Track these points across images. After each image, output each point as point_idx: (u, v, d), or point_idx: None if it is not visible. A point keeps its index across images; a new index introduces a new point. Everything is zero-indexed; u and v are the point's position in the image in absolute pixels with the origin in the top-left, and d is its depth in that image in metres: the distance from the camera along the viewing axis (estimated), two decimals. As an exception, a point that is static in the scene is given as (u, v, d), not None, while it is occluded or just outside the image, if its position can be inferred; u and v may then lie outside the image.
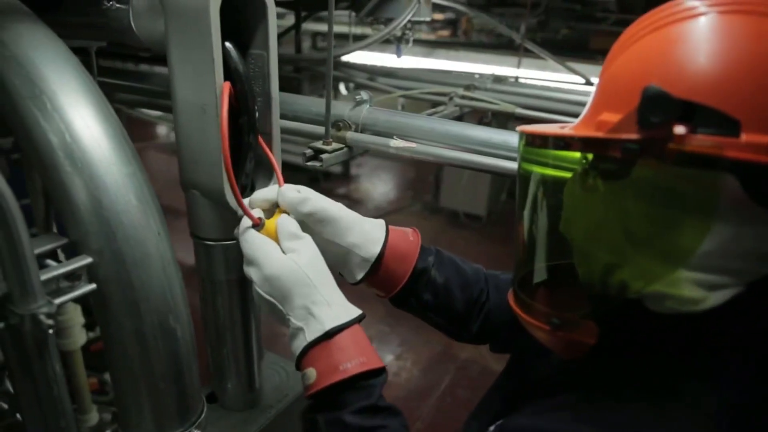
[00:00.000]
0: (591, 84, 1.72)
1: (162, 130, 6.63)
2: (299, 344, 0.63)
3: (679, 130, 0.42)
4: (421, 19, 1.40)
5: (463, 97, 1.28)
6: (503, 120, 1.56)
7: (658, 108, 0.42)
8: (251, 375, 0.87)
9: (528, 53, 1.80)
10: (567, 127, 0.57)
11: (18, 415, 0.65)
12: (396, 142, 0.80)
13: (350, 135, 0.84)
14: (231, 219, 0.74)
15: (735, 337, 0.51)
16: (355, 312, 0.66)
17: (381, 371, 0.63)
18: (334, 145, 0.82)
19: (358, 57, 1.52)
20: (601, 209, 0.54)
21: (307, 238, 0.67)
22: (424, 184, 5.43)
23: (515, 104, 1.29)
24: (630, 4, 4.02)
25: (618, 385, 0.55)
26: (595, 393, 0.56)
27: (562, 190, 0.59)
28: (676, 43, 0.47)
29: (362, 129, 0.87)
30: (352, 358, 0.62)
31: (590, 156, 0.55)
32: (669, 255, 0.49)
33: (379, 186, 5.81)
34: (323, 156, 0.80)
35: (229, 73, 0.67)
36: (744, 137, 0.41)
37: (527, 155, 0.60)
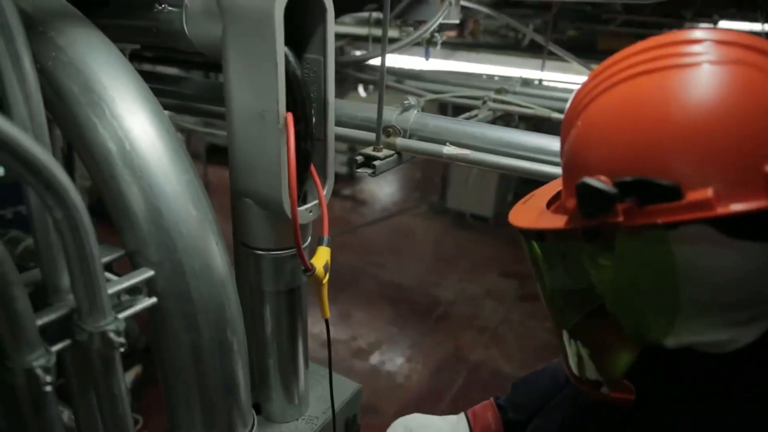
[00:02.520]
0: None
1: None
2: None
3: (624, 210, 0.42)
4: (450, 21, 1.38)
5: (495, 100, 1.27)
6: (530, 123, 1.54)
7: (594, 202, 0.43)
8: (296, 386, 0.86)
9: (551, 56, 1.79)
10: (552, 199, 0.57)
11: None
12: (449, 149, 0.78)
13: (400, 141, 0.82)
14: (284, 229, 0.73)
15: None
16: None
17: None
18: (385, 152, 0.80)
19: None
20: (606, 276, 0.53)
21: None
22: (430, 185, 5.42)
23: (544, 107, 1.28)
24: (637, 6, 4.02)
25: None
26: None
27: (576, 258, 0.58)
28: (605, 115, 0.47)
29: (410, 135, 0.85)
30: None
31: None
32: (676, 307, 0.48)
33: (385, 187, 5.79)
34: (376, 163, 0.79)
35: (287, 78, 0.65)
36: (688, 197, 0.40)
37: (524, 240, 0.59)
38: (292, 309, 0.80)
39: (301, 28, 0.69)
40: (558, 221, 0.49)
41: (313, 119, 0.69)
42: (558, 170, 0.76)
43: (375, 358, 3.26)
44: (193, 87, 1.10)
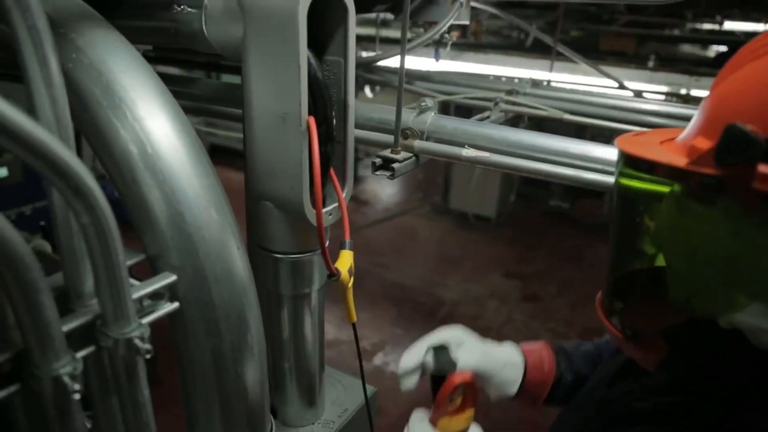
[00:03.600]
0: (625, 88, 1.70)
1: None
2: None
3: (763, 169, 0.40)
4: (461, 22, 1.37)
5: (506, 102, 1.26)
6: (536, 123, 1.53)
7: (737, 148, 0.41)
8: (312, 390, 0.85)
9: (559, 56, 1.78)
10: (668, 140, 0.55)
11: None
12: (468, 152, 0.77)
13: (418, 143, 0.82)
14: (303, 232, 0.72)
15: None
16: None
17: None
18: (403, 154, 0.80)
19: (391, 59, 1.49)
20: (691, 231, 0.53)
21: None
22: (433, 186, 5.42)
23: (555, 109, 1.27)
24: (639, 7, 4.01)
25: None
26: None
27: (659, 205, 0.57)
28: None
29: (427, 137, 0.85)
30: None
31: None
32: (755, 286, 0.48)
33: (387, 187, 5.78)
34: (395, 165, 0.78)
35: (309, 81, 0.65)
36: None
37: (623, 168, 0.58)
38: (310, 312, 0.79)
39: (321, 29, 0.68)
40: (677, 159, 0.48)
41: (334, 121, 0.69)
42: (584, 174, 0.75)
43: (379, 359, 3.25)
44: (203, 88, 1.09)
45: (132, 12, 0.75)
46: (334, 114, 0.69)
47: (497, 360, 0.84)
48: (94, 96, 0.59)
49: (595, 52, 4.41)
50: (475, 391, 0.79)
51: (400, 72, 0.77)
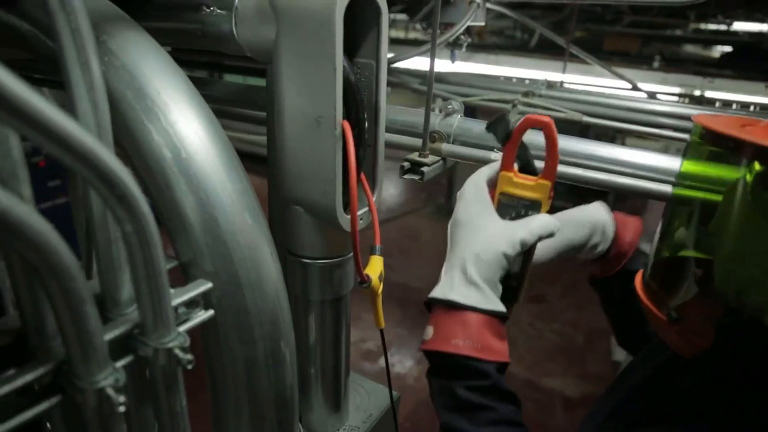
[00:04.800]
0: (638, 89, 1.69)
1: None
2: (431, 293, 0.68)
3: None
4: (477, 23, 1.36)
5: (524, 104, 1.25)
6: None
7: None
8: (338, 396, 0.84)
9: (572, 58, 1.77)
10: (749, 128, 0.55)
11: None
12: (497, 155, 0.77)
13: (446, 147, 0.81)
14: (333, 237, 0.71)
15: None
16: (494, 305, 0.64)
17: (498, 362, 0.63)
18: (431, 158, 0.79)
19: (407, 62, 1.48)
20: (756, 222, 0.52)
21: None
22: (436, 186, 5.41)
23: (571, 110, 1.26)
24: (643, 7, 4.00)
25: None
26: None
27: (730, 189, 0.56)
28: None
29: (453, 140, 0.84)
30: (468, 338, 0.62)
31: (757, 167, 0.52)
32: None
33: (391, 188, 5.77)
34: (424, 169, 0.77)
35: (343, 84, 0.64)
36: None
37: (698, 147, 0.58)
38: (337, 318, 0.78)
39: (352, 30, 0.67)
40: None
41: (366, 125, 0.68)
42: (615, 178, 0.75)
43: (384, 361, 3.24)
44: (220, 90, 1.08)
45: (157, 13, 0.74)
46: (365, 117, 0.68)
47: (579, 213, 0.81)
48: (126, 99, 0.58)
49: (599, 52, 4.41)
50: (554, 161, 0.66)
51: (430, 75, 0.76)
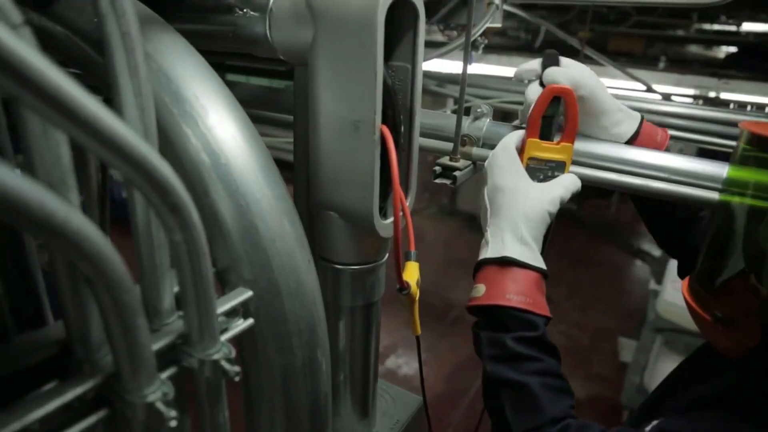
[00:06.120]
0: (653, 91, 1.69)
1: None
2: (481, 255, 0.72)
3: None
4: (494, 25, 1.35)
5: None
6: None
7: None
8: (366, 402, 0.83)
9: (588, 60, 1.76)
10: None
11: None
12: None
13: (476, 151, 0.80)
14: (366, 243, 0.70)
15: None
16: (541, 263, 0.71)
17: (544, 317, 0.69)
18: (463, 162, 0.78)
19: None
20: None
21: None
22: (440, 187, 5.39)
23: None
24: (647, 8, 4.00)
25: None
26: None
27: None
28: None
29: (482, 144, 0.83)
30: (520, 294, 0.67)
31: None
32: None
33: (392, 188, 5.76)
34: (456, 174, 0.76)
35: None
36: None
37: (748, 150, 0.57)
38: (368, 324, 0.77)
39: (388, 33, 0.66)
40: None
41: (402, 129, 0.67)
42: (652, 183, 0.73)
43: (391, 362, 3.23)
44: (242, 92, 1.07)
45: (187, 15, 0.73)
46: (401, 121, 0.67)
47: (611, 99, 0.79)
48: (163, 103, 0.56)
49: (604, 53, 4.40)
50: (574, 123, 0.73)
51: (462, 79, 0.75)
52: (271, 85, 1.21)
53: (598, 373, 3.25)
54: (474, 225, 4.92)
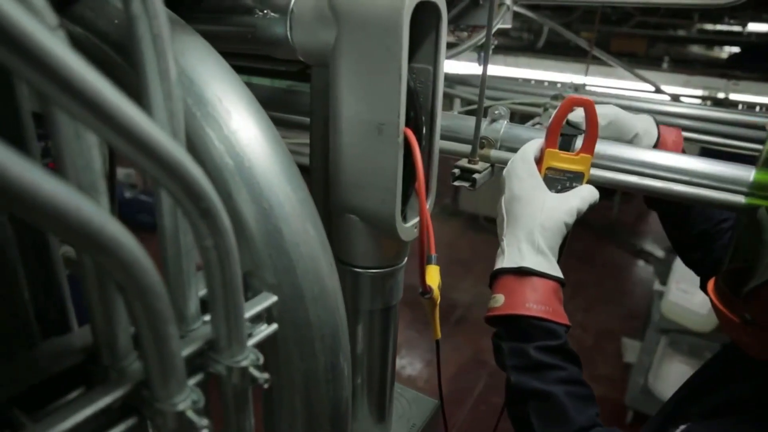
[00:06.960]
0: (662, 92, 1.68)
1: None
2: (497, 265, 0.73)
3: None
4: (505, 26, 1.35)
5: (555, 107, 1.23)
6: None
7: None
8: (383, 406, 0.82)
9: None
10: None
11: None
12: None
13: (494, 153, 0.79)
14: (386, 246, 0.69)
15: None
16: (558, 272, 0.72)
17: (564, 325, 0.70)
18: (482, 164, 0.77)
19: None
20: None
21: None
22: (442, 187, 5.38)
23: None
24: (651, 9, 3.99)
25: None
26: None
27: None
28: None
29: (500, 146, 0.82)
30: (540, 303, 0.68)
31: None
32: None
33: (394, 188, 5.75)
34: (475, 176, 0.75)
35: (402, 90, 0.62)
36: None
37: None
38: (386, 328, 0.77)
39: (411, 35, 0.65)
40: None
41: (423, 131, 0.66)
42: (674, 186, 0.73)
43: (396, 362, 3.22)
44: (259, 93, 1.06)
45: (206, 16, 0.72)
46: (423, 124, 0.66)
47: (629, 116, 0.81)
48: (186, 105, 0.56)
49: (607, 53, 4.40)
50: (593, 134, 0.73)
51: (482, 80, 0.74)
52: (272, 85, 1.20)
53: (601, 373, 3.25)
54: (476, 225, 4.92)
